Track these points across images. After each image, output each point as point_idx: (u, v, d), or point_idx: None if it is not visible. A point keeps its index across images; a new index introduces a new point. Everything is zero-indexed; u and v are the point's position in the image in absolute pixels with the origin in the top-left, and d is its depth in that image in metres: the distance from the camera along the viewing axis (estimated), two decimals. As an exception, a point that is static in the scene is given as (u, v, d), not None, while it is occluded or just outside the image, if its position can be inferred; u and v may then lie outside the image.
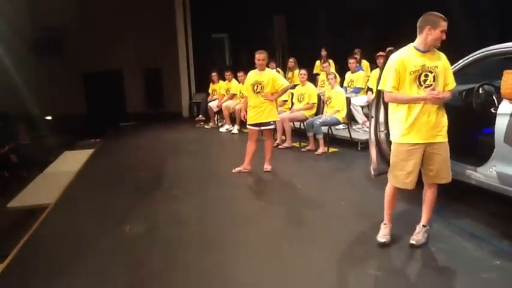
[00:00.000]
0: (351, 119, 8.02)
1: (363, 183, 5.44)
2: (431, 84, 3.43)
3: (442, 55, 3.52)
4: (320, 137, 7.29)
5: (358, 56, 9.30)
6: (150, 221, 4.65)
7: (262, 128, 6.16)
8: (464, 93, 4.62)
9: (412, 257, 3.54)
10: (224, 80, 10.79)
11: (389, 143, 3.76)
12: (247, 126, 6.30)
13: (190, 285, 3.36)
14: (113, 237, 4.28)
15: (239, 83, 9.77)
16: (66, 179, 6.56)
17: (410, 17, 3.62)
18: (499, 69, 3.85)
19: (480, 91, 4.41)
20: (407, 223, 3.91)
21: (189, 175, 6.58)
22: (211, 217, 4.74)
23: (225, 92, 10.66)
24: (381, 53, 7.12)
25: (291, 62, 10.39)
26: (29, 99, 10.76)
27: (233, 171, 6.29)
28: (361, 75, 8.73)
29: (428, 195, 3.67)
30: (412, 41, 3.51)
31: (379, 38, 9.96)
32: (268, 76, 6.09)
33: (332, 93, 7.61)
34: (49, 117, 12.41)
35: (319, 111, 7.96)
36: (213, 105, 10.81)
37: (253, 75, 6.16)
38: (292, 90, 8.16)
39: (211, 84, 11.32)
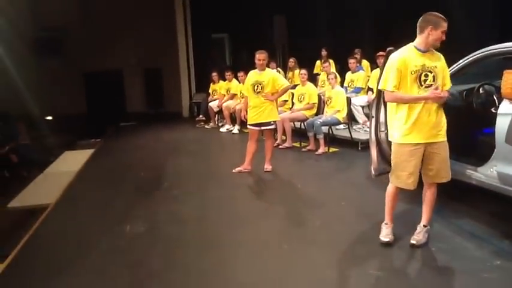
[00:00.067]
0: (351, 119, 8.02)
1: (364, 183, 5.44)
2: (431, 84, 3.43)
3: (440, 55, 3.53)
4: (320, 137, 7.28)
5: (358, 56, 9.30)
6: (150, 221, 4.65)
7: (262, 128, 6.16)
8: (464, 93, 4.61)
9: (412, 257, 3.54)
10: (224, 80, 10.79)
11: (389, 143, 3.75)
12: (248, 126, 6.30)
13: (190, 285, 3.36)
14: (113, 237, 4.28)
15: (239, 83, 9.76)
16: (67, 179, 6.56)
17: (410, 17, 3.62)
18: (499, 69, 3.85)
19: (480, 91, 4.41)
20: (407, 223, 3.91)
21: (189, 175, 6.58)
22: (211, 217, 4.74)
23: (225, 92, 10.65)
24: (381, 53, 7.11)
25: (291, 62, 10.38)
26: (30, 99, 10.77)
27: (233, 171, 6.29)
28: (361, 75, 8.73)
29: (428, 195, 3.67)
30: (412, 41, 3.51)
31: (380, 38, 9.94)
32: (269, 76, 6.09)
33: (332, 93, 7.61)
34: (49, 117, 12.41)
35: (319, 111, 7.95)
36: (213, 105, 10.81)
37: (253, 75, 6.16)
38: (292, 90, 8.16)
39: (211, 84, 11.32)
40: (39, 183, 6.97)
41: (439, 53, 3.53)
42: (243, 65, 9.92)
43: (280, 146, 7.79)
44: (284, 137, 7.96)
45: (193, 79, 13.65)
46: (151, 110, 14.31)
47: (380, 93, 3.97)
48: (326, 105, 7.74)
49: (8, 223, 5.54)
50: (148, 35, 13.05)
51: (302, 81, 8.02)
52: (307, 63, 9.59)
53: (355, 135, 7.62)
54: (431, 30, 3.37)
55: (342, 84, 8.72)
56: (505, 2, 9.11)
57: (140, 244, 4.11)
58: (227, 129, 10.14)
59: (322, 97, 8.09)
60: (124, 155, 8.52)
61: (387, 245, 3.66)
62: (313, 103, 7.81)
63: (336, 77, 7.94)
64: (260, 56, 6.05)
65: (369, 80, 8.45)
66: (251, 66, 6.31)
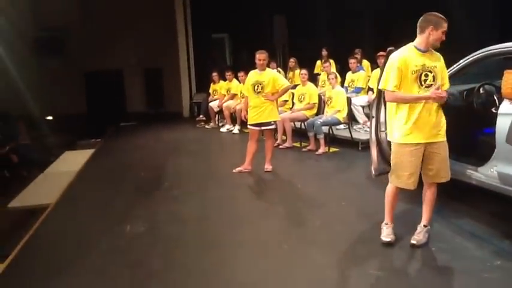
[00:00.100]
0: (351, 119, 8.01)
1: (364, 183, 5.43)
2: (431, 84, 3.43)
3: (440, 55, 3.54)
4: (321, 137, 7.28)
5: (358, 56, 9.30)
6: (150, 221, 4.65)
7: (262, 128, 6.15)
8: (465, 93, 4.61)
9: (413, 257, 3.54)
10: (225, 80, 10.78)
11: (390, 143, 3.75)
12: (248, 126, 6.30)
13: (190, 285, 3.36)
14: (113, 237, 4.28)
15: (240, 83, 9.76)
16: (67, 179, 6.56)
17: (410, 17, 3.62)
18: (499, 69, 3.84)
19: (481, 91, 4.41)
20: (407, 223, 3.91)
21: (190, 175, 6.57)
22: (212, 217, 4.74)
23: (225, 92, 10.65)
24: (381, 53, 7.11)
25: (292, 62, 10.38)
26: (30, 99, 10.78)
27: (234, 171, 6.28)
28: (361, 75, 8.73)
29: (428, 195, 3.67)
30: (413, 41, 3.51)
31: (380, 37, 9.94)
32: (269, 76, 6.09)
33: (333, 93, 7.60)
34: (50, 117, 12.42)
35: (319, 111, 7.95)
36: (213, 105, 10.81)
37: (253, 75, 6.16)
38: (292, 90, 8.16)
39: (211, 84, 11.32)
40: (39, 183, 6.97)
41: (438, 53, 3.53)
42: (243, 65, 9.92)
43: (281, 146, 7.79)
44: (284, 137, 7.96)
45: (194, 79, 13.65)
46: (152, 110, 14.31)
47: (380, 93, 3.97)
48: (326, 105, 7.74)
49: (8, 223, 5.55)
50: (149, 35, 13.05)
51: (302, 81, 8.02)
52: (307, 63, 9.58)
53: (355, 135, 7.61)
54: (432, 31, 3.37)
55: (342, 84, 8.72)
56: (505, 2, 9.10)
57: (140, 244, 4.11)
58: (227, 129, 10.14)
59: (322, 97, 8.09)
60: (124, 155, 8.52)
61: (388, 245, 3.66)
62: (314, 103, 7.81)
63: (336, 77, 7.94)
64: (260, 56, 6.05)
65: (369, 80, 8.45)
66: (251, 66, 6.31)
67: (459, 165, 4.20)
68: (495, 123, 3.75)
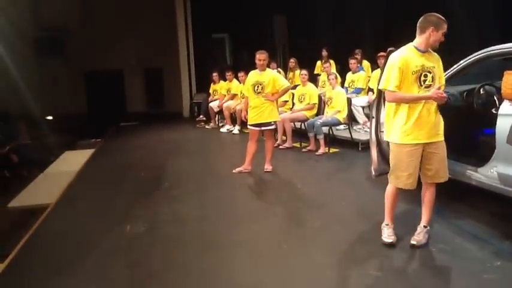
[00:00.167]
0: (351, 119, 8.01)
1: (364, 184, 5.43)
2: (430, 85, 3.43)
3: (438, 56, 3.54)
4: (321, 137, 7.28)
5: (359, 57, 9.29)
6: (150, 221, 4.64)
7: (262, 128, 6.15)
8: (465, 93, 4.62)
9: (412, 258, 3.53)
10: (225, 80, 10.79)
11: (389, 143, 3.74)
12: (248, 126, 6.30)
13: (190, 285, 3.36)
14: (113, 237, 4.28)
15: (240, 83, 9.76)
16: (67, 179, 6.56)
17: (410, 17, 3.62)
18: (500, 70, 3.84)
19: (481, 91, 4.41)
20: (407, 223, 3.90)
21: (190, 175, 6.57)
22: (212, 217, 4.74)
23: (225, 92, 10.65)
24: (381, 53, 7.11)
25: (292, 62, 10.38)
26: (30, 99, 10.79)
27: (234, 171, 6.28)
28: (362, 75, 8.73)
29: (428, 195, 3.67)
30: (412, 41, 3.51)
31: (380, 38, 9.95)
32: (269, 76, 6.09)
33: (333, 94, 7.60)
34: (50, 117, 12.42)
35: (320, 112, 7.95)
36: (213, 105, 10.82)
37: (254, 76, 6.16)
38: (293, 91, 8.16)
39: (212, 85, 11.33)
40: (39, 183, 6.98)
41: (436, 54, 3.54)
42: (243, 65, 9.92)
43: (281, 147, 7.78)
44: (284, 138, 7.96)
45: (194, 79, 13.65)
46: (152, 110, 14.32)
47: (380, 94, 3.97)
48: (326, 106, 7.74)
49: (8, 223, 5.54)
50: (149, 34, 13.07)
51: (302, 81, 8.02)
52: (307, 63, 9.58)
53: (355, 136, 7.61)
54: (432, 31, 3.37)
55: (342, 85, 8.71)
56: (506, 2, 9.10)
57: (140, 244, 4.11)
58: (227, 130, 10.14)
59: (322, 97, 8.09)
60: (124, 155, 8.52)
61: (389, 245, 3.65)
62: (314, 103, 7.81)
63: (336, 78, 7.95)
64: (260, 56, 6.05)
65: (369, 80, 8.45)
66: (251, 66, 6.31)
67: (459, 166, 4.20)
68: (495, 124, 3.74)
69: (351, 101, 7.89)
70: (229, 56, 15.32)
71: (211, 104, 10.94)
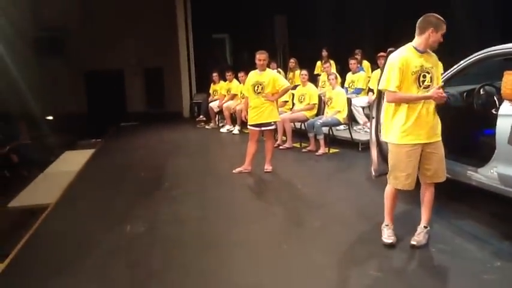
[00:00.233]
0: (351, 119, 8.01)
1: (364, 184, 5.43)
2: (429, 85, 3.44)
3: (436, 57, 3.54)
4: (321, 137, 7.28)
5: (359, 57, 9.30)
6: (150, 221, 4.64)
7: (262, 128, 6.16)
8: (465, 93, 4.62)
9: (412, 258, 3.53)
10: (225, 80, 10.79)
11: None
12: (248, 126, 6.30)
13: (189, 285, 3.36)
14: (113, 237, 4.28)
15: (240, 83, 9.76)
16: (67, 179, 6.56)
17: (410, 17, 3.62)
18: (500, 70, 3.85)
19: (481, 92, 4.41)
20: (406, 224, 3.91)
21: (190, 175, 6.57)
22: (212, 217, 4.74)
23: (225, 93, 10.65)
24: (382, 54, 7.11)
25: (292, 62, 10.37)
26: (30, 99, 10.78)
27: (234, 171, 6.28)
28: (362, 75, 8.73)
29: (427, 196, 3.67)
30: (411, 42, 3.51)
31: (380, 38, 9.95)
32: (269, 76, 6.09)
33: (333, 94, 7.60)
34: (50, 117, 12.42)
35: (320, 112, 7.95)
36: (213, 105, 10.82)
37: (254, 76, 6.16)
38: (293, 91, 8.16)
39: (212, 85, 11.33)
40: (39, 183, 6.98)
41: (434, 54, 3.55)
42: (243, 65, 9.92)
43: (281, 147, 7.78)
44: (284, 138, 7.96)
45: (194, 79, 13.65)
46: (152, 110, 14.31)
47: (380, 94, 3.97)
48: (326, 106, 7.74)
49: (8, 223, 5.54)
50: (149, 34, 13.07)
51: (302, 81, 8.02)
52: (307, 63, 9.58)
53: (355, 136, 7.61)
54: (432, 32, 3.37)
55: (342, 85, 8.71)
56: (507, 3, 9.10)
57: (140, 244, 4.11)
58: (227, 130, 10.14)
59: (322, 98, 8.09)
60: (124, 155, 8.52)
61: (389, 246, 3.65)
62: (314, 104, 7.82)
63: (336, 78, 7.94)
64: (261, 57, 6.05)
65: (369, 80, 8.45)
66: (252, 66, 6.31)
67: (459, 166, 4.20)
68: (495, 125, 3.74)
69: (351, 101, 7.89)
70: (229, 56, 15.32)
71: (211, 104, 10.94)
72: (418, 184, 3.67)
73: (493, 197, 4.06)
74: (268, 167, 6.27)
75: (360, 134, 7.78)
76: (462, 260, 3.44)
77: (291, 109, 8.39)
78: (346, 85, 8.82)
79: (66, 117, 11.55)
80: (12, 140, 8.54)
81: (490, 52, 3.91)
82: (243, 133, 9.14)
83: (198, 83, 13.45)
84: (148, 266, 3.66)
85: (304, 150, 7.62)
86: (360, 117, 8.18)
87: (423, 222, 3.70)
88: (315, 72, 10.39)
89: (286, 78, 8.71)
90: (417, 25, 3.45)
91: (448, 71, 4.28)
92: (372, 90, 7.92)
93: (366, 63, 9.39)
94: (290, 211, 4.88)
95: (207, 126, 11.05)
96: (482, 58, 4.00)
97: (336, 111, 7.45)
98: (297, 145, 7.91)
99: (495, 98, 4.14)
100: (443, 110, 3.63)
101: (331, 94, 7.65)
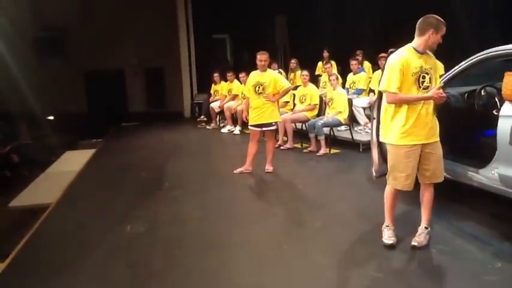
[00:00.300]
0: (352, 120, 8.01)
1: (365, 185, 5.43)
2: (428, 86, 3.45)
3: (434, 57, 3.55)
4: (322, 138, 7.28)
5: (360, 57, 9.29)
6: (151, 221, 4.65)
7: (263, 128, 6.16)
8: (466, 94, 4.62)
9: (413, 259, 3.54)
10: (226, 80, 10.79)
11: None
12: (249, 127, 6.30)
13: (190, 285, 3.36)
14: (114, 237, 4.29)
15: (241, 83, 9.77)
16: (68, 179, 6.56)
17: (411, 18, 3.62)
18: (501, 71, 3.84)
19: (482, 93, 4.41)
20: (407, 224, 3.91)
21: (191, 175, 6.57)
22: (212, 217, 4.74)
23: (226, 93, 10.65)
24: (383, 54, 7.11)
25: (293, 63, 10.37)
26: (31, 99, 10.78)
27: (235, 171, 6.29)
28: (363, 76, 8.72)
29: (427, 196, 3.68)
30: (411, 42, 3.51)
31: (381, 39, 9.95)
32: (270, 77, 6.09)
33: (334, 95, 7.60)
34: (51, 117, 12.42)
35: (321, 113, 7.95)
36: (214, 105, 10.82)
37: (255, 76, 6.16)
38: (294, 91, 8.16)
39: (213, 85, 11.33)
40: (40, 183, 6.97)
41: (433, 55, 3.55)
42: (244, 65, 9.92)
43: (282, 147, 7.78)
44: (285, 138, 7.96)
45: (195, 79, 13.65)
46: (153, 110, 14.31)
47: (381, 95, 3.97)
48: (327, 107, 7.74)
49: (9, 222, 5.54)
50: (150, 34, 13.07)
51: (304, 82, 8.02)
52: (308, 64, 9.59)
53: (356, 137, 7.61)
54: (432, 34, 3.38)
55: (343, 86, 8.71)
56: (507, 3, 9.10)
57: (141, 244, 4.11)
58: (228, 130, 10.14)
59: (323, 98, 8.09)
60: (125, 155, 8.52)
61: (389, 247, 3.65)
62: (315, 104, 7.82)
63: (337, 78, 7.94)
64: (262, 57, 6.05)
65: (370, 81, 8.45)
66: (252, 67, 6.32)
67: (460, 167, 4.20)
68: (496, 125, 3.74)
69: (352, 102, 7.89)
70: (230, 56, 15.33)
71: (212, 105, 10.94)
72: (417, 184, 3.67)
73: (493, 198, 4.06)
74: (269, 168, 6.27)
75: (361, 134, 7.77)
76: (463, 261, 3.44)
77: (292, 109, 8.39)
78: (347, 86, 8.81)
79: (67, 117, 11.54)
80: (13, 140, 8.53)
81: (491, 53, 3.91)
82: (244, 133, 9.14)
83: (199, 83, 13.45)
84: (149, 266, 3.66)
85: (305, 150, 7.62)
86: (361, 117, 8.18)
87: (423, 222, 3.71)
88: (316, 73, 10.40)
89: (287, 78, 8.71)
90: (417, 26, 3.45)
91: (449, 72, 4.28)
92: (373, 91, 7.92)
93: (367, 64, 9.39)
94: (291, 211, 4.88)
95: (208, 127, 11.06)
96: (483, 59, 4.00)
97: (337, 111, 7.45)
98: (298, 145, 7.91)
99: (496, 99, 4.14)
100: (445, 111, 3.64)
101: (332, 95, 7.65)
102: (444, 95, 3.42)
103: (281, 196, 5.48)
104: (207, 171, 6.80)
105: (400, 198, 3.92)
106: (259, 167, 6.30)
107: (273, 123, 6.18)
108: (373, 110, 4.48)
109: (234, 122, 10.15)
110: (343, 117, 7.46)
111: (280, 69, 9.99)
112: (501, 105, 3.83)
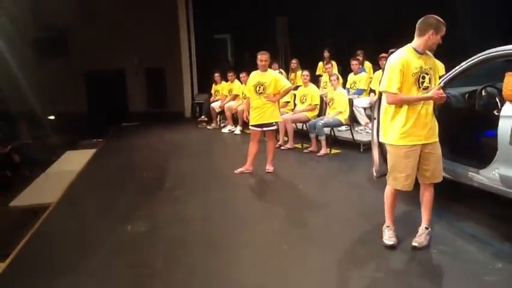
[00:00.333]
0: (353, 120, 8.01)
1: (365, 185, 5.44)
2: (428, 86, 3.45)
3: (434, 57, 3.55)
4: (322, 138, 7.28)
5: (360, 58, 9.28)
6: (152, 221, 4.65)
7: (264, 129, 6.16)
8: (467, 95, 4.62)
9: (413, 259, 3.54)
10: (227, 80, 10.79)
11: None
12: (250, 127, 6.31)
13: (192, 285, 3.36)
14: (115, 236, 4.29)
15: (241, 83, 9.77)
16: (69, 179, 6.57)
17: (412, 18, 3.62)
18: (502, 71, 3.85)
19: (483, 93, 4.40)
20: (407, 225, 3.92)
21: (191, 175, 6.58)
22: (213, 217, 4.74)
23: (227, 93, 10.66)
24: (383, 55, 7.11)
25: (294, 63, 10.37)
26: (32, 99, 10.78)
27: (235, 171, 6.29)
28: (363, 76, 8.72)
29: (427, 196, 3.68)
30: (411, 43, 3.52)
31: (382, 39, 9.94)
32: (271, 77, 6.10)
33: (334, 95, 7.60)
34: (52, 117, 12.42)
35: (321, 113, 7.95)
36: (215, 105, 10.82)
37: (255, 76, 6.16)
38: (294, 92, 8.16)
39: (213, 85, 11.33)
40: (41, 182, 6.97)
41: (432, 55, 3.56)
42: (245, 65, 9.92)
43: (282, 147, 7.79)
44: (286, 138, 7.96)
45: (196, 79, 13.65)
46: (154, 110, 14.32)
47: (382, 95, 3.97)
48: (328, 107, 7.74)
49: (10, 222, 5.55)
50: (151, 34, 13.06)
51: (304, 82, 8.02)
52: (309, 64, 9.59)
53: (357, 137, 7.61)
54: (432, 34, 3.38)
55: (344, 86, 8.71)
56: (508, 3, 9.09)
57: (142, 244, 4.11)
58: (229, 130, 10.14)
59: (324, 98, 8.09)
60: (126, 155, 8.53)
61: (392, 247, 3.65)
62: (315, 104, 7.82)
63: (338, 79, 7.93)
64: (262, 57, 6.05)
65: (371, 81, 8.45)
66: (253, 67, 6.32)
67: (461, 168, 4.20)
68: (497, 126, 3.75)
69: (352, 102, 7.89)
70: (231, 56, 15.32)
71: (213, 105, 10.94)
72: (417, 185, 3.68)
73: (493, 199, 4.06)
74: (269, 168, 6.27)
75: (362, 134, 7.77)
76: (463, 261, 3.45)
77: (292, 110, 8.39)
78: (347, 86, 8.81)
79: (67, 117, 11.55)
80: (13, 140, 8.54)
81: (492, 53, 3.90)
82: (245, 133, 9.14)
83: (200, 83, 13.46)
84: (151, 266, 3.67)
85: (305, 150, 7.62)
86: (362, 118, 8.18)
87: (424, 223, 3.71)
88: (317, 73, 10.40)
89: (287, 78, 8.72)
90: (417, 26, 3.45)
91: (450, 73, 4.28)
92: (374, 91, 7.92)
93: (367, 64, 9.39)
94: (292, 211, 4.88)
95: (208, 127, 11.06)
96: (484, 59, 4.00)
97: (338, 112, 7.45)
98: (299, 146, 7.91)
99: (497, 99, 4.14)
100: (445, 111, 3.64)
101: (332, 95, 7.65)
102: (444, 95, 3.43)
103: (282, 196, 5.48)
104: (208, 171, 6.80)
105: (400, 199, 3.92)
106: (259, 167, 6.31)
107: (274, 123, 6.18)
108: (374, 110, 4.48)
109: (235, 122, 10.15)
110: (344, 117, 7.46)
111: (281, 69, 9.99)
112: (502, 106, 3.83)
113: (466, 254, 3.55)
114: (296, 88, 8.33)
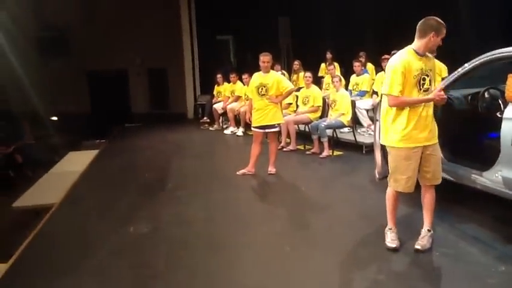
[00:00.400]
0: (355, 122, 7.99)
1: (368, 187, 5.43)
2: (428, 88, 3.45)
3: (434, 59, 3.55)
4: (325, 140, 7.27)
5: (363, 59, 9.28)
6: (154, 222, 4.66)
7: (266, 130, 6.16)
8: (469, 97, 4.61)
9: (416, 262, 3.53)
10: (229, 82, 10.80)
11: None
12: (252, 128, 6.30)
13: (194, 286, 3.37)
14: (117, 237, 4.29)
15: (244, 85, 9.77)
16: (71, 180, 6.58)
17: (414, 19, 3.62)
18: (504, 73, 3.84)
19: (486, 95, 4.39)
20: (409, 227, 3.92)
21: (194, 177, 6.58)
22: (215, 219, 4.75)
23: (229, 94, 10.66)
24: (386, 56, 7.11)
25: (296, 64, 10.37)
26: (34, 99, 10.81)
27: (237, 173, 6.29)
28: (366, 78, 8.71)
29: (428, 198, 3.67)
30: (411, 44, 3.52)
31: (384, 40, 9.94)
32: (273, 78, 6.09)
33: (337, 96, 7.60)
34: (54, 118, 12.45)
35: (324, 114, 7.94)
36: (217, 107, 10.83)
37: (258, 78, 6.16)
38: (297, 93, 8.16)
39: (216, 86, 11.33)
40: (43, 183, 6.98)
41: (432, 57, 3.56)
42: (247, 67, 9.92)
43: (285, 149, 7.78)
44: (288, 140, 7.95)
45: (198, 81, 13.66)
46: (156, 111, 14.33)
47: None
48: (330, 108, 7.73)
49: (12, 223, 5.56)
50: (153, 35, 13.07)
51: (307, 83, 8.02)
52: (312, 65, 9.59)
53: (359, 139, 7.60)
54: (433, 36, 3.37)
55: (346, 87, 8.70)
56: (509, 4, 9.08)
57: (144, 245, 4.12)
58: (231, 132, 10.14)
59: (326, 100, 8.08)
60: (128, 156, 8.54)
61: (394, 250, 3.65)
62: (318, 106, 7.82)
63: (340, 80, 7.93)
64: (265, 58, 6.05)
65: (373, 83, 8.44)
66: (256, 68, 6.32)
67: (464, 170, 4.19)
68: (500, 128, 3.74)
69: (355, 103, 7.87)
70: (233, 57, 15.34)
71: (215, 106, 10.95)
72: (418, 187, 3.67)
73: (496, 201, 4.05)
74: (272, 169, 6.27)
75: (364, 136, 7.77)
76: (465, 264, 3.44)
77: (295, 111, 8.39)
78: (350, 87, 8.80)
79: (70, 117, 11.57)
80: (16, 140, 8.57)
81: (494, 55, 3.89)
82: (247, 135, 9.14)
83: (202, 85, 13.47)
84: (153, 267, 3.67)
85: (308, 152, 7.61)
86: (364, 119, 8.17)
87: (426, 225, 3.70)
88: (319, 75, 10.38)
89: (290, 80, 8.72)
90: (418, 28, 3.45)
91: (452, 74, 4.27)
92: (376, 93, 7.92)
93: (370, 66, 9.39)
94: (294, 213, 4.88)
95: (211, 128, 11.06)
96: (486, 61, 3.99)
97: (340, 113, 7.45)
98: (301, 147, 7.91)
99: (500, 101, 4.13)
100: (448, 113, 3.63)
101: (335, 96, 7.65)
102: (445, 96, 3.43)
103: (284, 198, 5.48)
104: (210, 172, 6.81)
105: (402, 201, 3.92)
106: (262, 169, 6.30)
107: (276, 125, 6.18)
108: (376, 112, 4.48)
109: (237, 124, 10.15)
110: (346, 119, 7.45)
111: (283, 71, 10.00)
112: (505, 108, 3.83)
113: (468, 257, 3.55)
114: (298, 89, 8.33)
